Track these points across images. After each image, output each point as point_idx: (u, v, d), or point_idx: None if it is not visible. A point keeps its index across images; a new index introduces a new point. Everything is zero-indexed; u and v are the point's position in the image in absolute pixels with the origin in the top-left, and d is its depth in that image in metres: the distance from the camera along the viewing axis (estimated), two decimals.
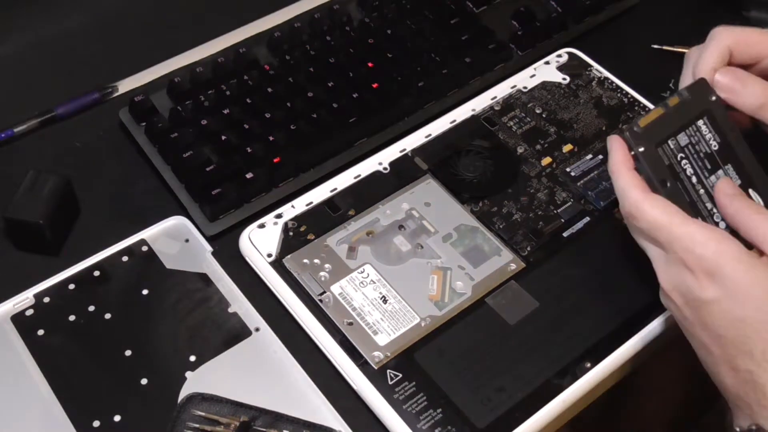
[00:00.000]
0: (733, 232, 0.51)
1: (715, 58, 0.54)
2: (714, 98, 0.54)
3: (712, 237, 0.48)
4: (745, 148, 0.55)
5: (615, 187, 0.52)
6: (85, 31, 0.77)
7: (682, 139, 0.53)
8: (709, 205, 0.53)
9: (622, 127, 0.54)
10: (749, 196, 0.53)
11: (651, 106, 0.71)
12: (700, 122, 0.54)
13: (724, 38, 0.54)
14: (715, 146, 0.54)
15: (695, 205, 0.53)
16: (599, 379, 0.56)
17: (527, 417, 0.54)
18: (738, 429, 0.48)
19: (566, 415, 0.56)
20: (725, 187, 0.52)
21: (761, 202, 0.54)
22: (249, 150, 0.65)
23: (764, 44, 0.55)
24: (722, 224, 0.52)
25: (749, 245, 0.49)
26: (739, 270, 0.46)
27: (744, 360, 0.46)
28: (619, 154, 0.52)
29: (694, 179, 0.53)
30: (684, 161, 0.53)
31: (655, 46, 0.78)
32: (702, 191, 0.53)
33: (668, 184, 0.52)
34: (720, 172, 0.54)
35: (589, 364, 0.56)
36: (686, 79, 0.57)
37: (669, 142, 0.53)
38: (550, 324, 0.58)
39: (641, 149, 0.52)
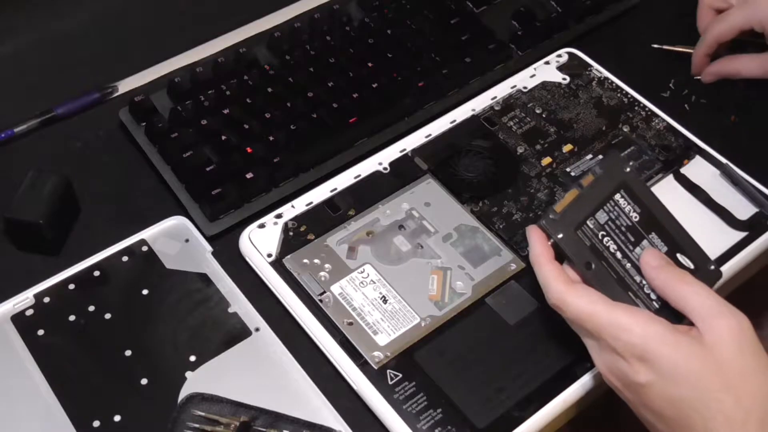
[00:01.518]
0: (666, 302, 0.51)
1: (707, 48, 0.66)
2: (628, 169, 0.54)
3: (636, 321, 0.48)
4: (666, 213, 0.54)
5: (538, 279, 0.52)
6: (85, 31, 0.77)
7: (601, 216, 0.53)
8: (638, 278, 0.52)
9: (540, 214, 0.53)
10: (678, 261, 0.53)
11: (651, 106, 0.71)
12: (617, 196, 0.53)
13: (709, 36, 0.65)
14: (635, 217, 0.53)
15: (623, 280, 0.52)
16: (599, 379, 0.56)
17: (527, 417, 0.54)
18: None
19: (566, 415, 0.56)
20: (650, 259, 0.52)
21: (691, 265, 0.53)
22: (249, 150, 0.65)
23: (751, 18, 0.64)
24: (654, 294, 0.52)
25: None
26: (666, 351, 0.47)
27: None
28: (537, 245, 0.52)
29: (618, 255, 0.52)
30: (606, 238, 0.52)
31: (655, 46, 0.78)
32: (629, 265, 0.52)
33: (593, 266, 0.51)
34: (644, 242, 0.53)
35: (589, 364, 0.56)
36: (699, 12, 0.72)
37: (588, 222, 0.52)
38: (550, 324, 0.58)
39: (560, 236, 0.51)
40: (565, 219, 0.52)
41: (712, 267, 0.54)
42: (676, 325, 0.48)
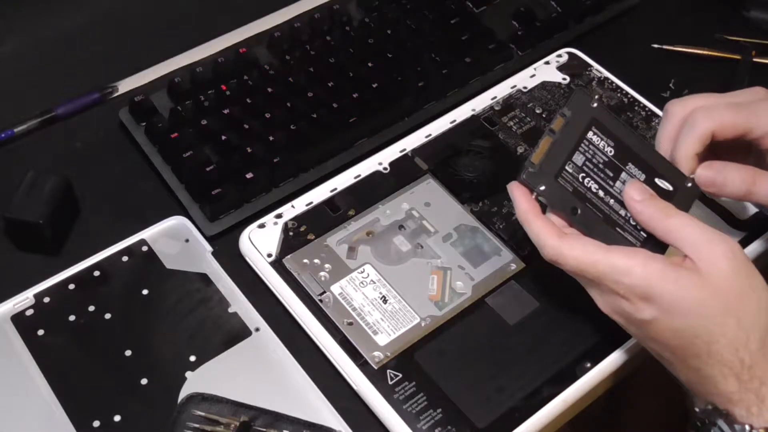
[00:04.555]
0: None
1: (697, 146, 0.54)
2: (595, 104, 0.53)
3: (636, 263, 0.49)
4: (638, 140, 0.54)
5: (530, 236, 0.52)
6: (85, 31, 0.77)
7: (578, 158, 0.53)
8: (623, 212, 0.53)
9: (519, 168, 0.52)
10: (656, 186, 0.53)
11: (651, 106, 0.71)
12: (590, 134, 0.53)
13: (705, 125, 0.54)
14: (610, 151, 0.53)
15: (610, 218, 0.52)
16: (599, 379, 0.56)
17: (527, 417, 0.54)
18: (697, 409, 0.50)
19: (566, 415, 0.56)
20: (633, 193, 0.52)
21: (669, 187, 0.54)
22: (249, 150, 0.65)
23: (747, 122, 0.54)
24: (640, 225, 0.52)
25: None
26: (668, 287, 0.48)
27: (693, 360, 0.49)
28: (522, 202, 0.52)
29: (601, 193, 0.53)
30: (586, 179, 0.53)
31: (655, 46, 0.78)
32: (612, 201, 0.53)
33: (579, 211, 0.52)
34: (623, 174, 0.53)
35: (589, 364, 0.56)
36: (665, 130, 0.56)
37: (566, 167, 0.52)
38: (550, 324, 0.58)
39: (542, 188, 0.52)
40: (544, 169, 0.52)
41: (689, 184, 0.54)
42: (671, 258, 0.49)
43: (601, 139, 0.53)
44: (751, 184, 0.54)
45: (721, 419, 0.48)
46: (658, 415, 0.80)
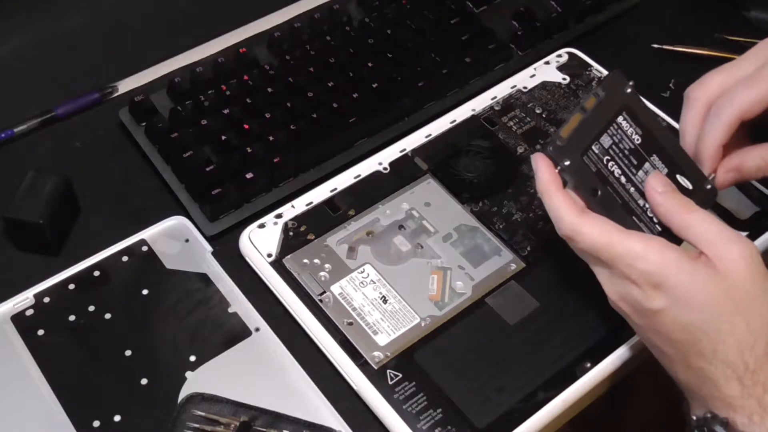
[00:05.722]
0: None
1: (723, 137, 0.54)
2: (629, 90, 0.53)
3: (652, 249, 0.48)
4: (666, 133, 0.54)
5: (547, 209, 0.51)
6: (85, 31, 0.77)
7: (605, 140, 0.52)
8: (641, 202, 0.52)
9: (546, 141, 0.52)
10: (677, 182, 0.53)
11: (651, 106, 0.71)
12: (620, 118, 0.52)
13: (729, 112, 0.53)
14: (637, 140, 0.53)
15: (628, 205, 0.52)
16: (599, 379, 0.56)
17: (527, 417, 0.54)
18: (695, 417, 0.49)
19: (566, 415, 0.56)
20: (655, 184, 0.51)
21: (689, 185, 0.53)
22: (249, 150, 0.65)
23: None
24: (657, 218, 0.52)
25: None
26: (683, 278, 0.47)
27: (696, 359, 0.48)
28: (545, 174, 0.51)
29: (623, 179, 0.52)
30: (611, 163, 0.52)
31: (655, 46, 0.78)
32: (632, 189, 0.52)
33: (599, 192, 0.51)
34: (647, 165, 0.53)
35: (589, 364, 0.56)
36: (689, 117, 0.56)
37: (593, 147, 0.51)
38: (550, 324, 0.58)
39: (567, 163, 0.50)
40: (571, 145, 0.51)
41: (709, 186, 0.54)
42: (687, 251, 0.48)
43: (630, 126, 0.52)
44: (765, 171, 0.55)
45: (721, 427, 0.47)
46: (658, 415, 0.80)
